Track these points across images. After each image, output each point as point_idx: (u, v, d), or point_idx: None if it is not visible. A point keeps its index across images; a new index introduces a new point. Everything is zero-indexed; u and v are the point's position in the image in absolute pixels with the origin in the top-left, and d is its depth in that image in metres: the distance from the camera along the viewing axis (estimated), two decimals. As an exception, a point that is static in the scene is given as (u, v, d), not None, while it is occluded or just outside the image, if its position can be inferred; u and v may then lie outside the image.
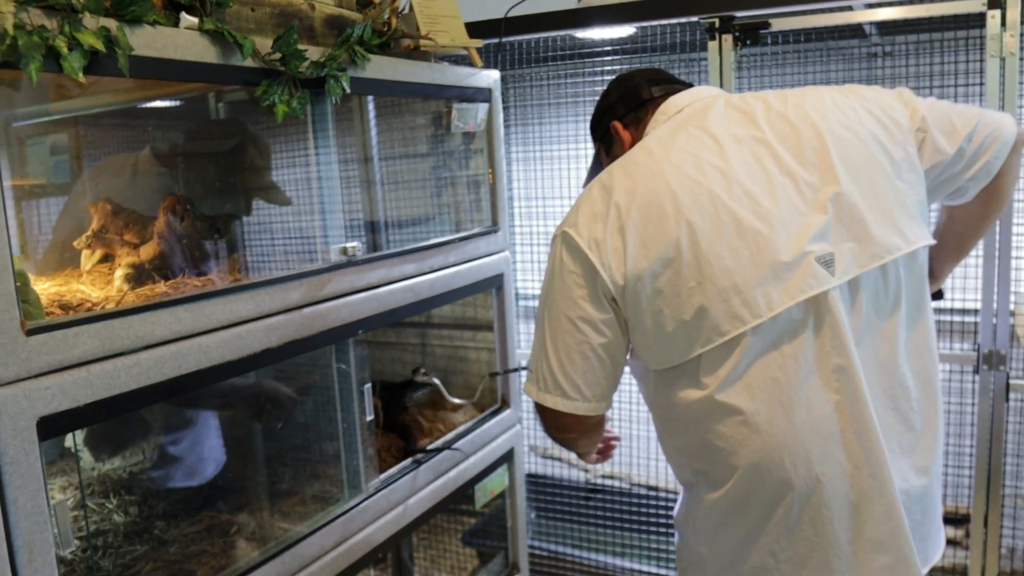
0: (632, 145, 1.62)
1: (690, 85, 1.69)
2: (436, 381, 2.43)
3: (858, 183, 1.43)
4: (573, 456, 3.65)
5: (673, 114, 1.59)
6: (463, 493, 2.33)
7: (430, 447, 2.22)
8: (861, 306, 1.42)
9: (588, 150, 3.22)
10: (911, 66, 2.66)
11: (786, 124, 1.48)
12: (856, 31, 2.64)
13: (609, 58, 3.03)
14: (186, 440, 2.07)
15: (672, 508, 3.34)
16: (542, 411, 1.57)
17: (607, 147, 1.75)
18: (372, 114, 2.50)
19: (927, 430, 1.52)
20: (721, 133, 1.48)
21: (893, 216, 1.44)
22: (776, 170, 1.43)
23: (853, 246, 1.41)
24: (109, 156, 2.21)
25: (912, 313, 1.49)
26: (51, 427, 1.25)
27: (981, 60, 2.36)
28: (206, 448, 2.08)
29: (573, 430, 1.59)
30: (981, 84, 2.34)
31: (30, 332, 1.22)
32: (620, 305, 1.46)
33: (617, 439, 1.99)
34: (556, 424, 1.58)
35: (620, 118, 1.69)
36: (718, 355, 1.40)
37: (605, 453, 1.98)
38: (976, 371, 2.46)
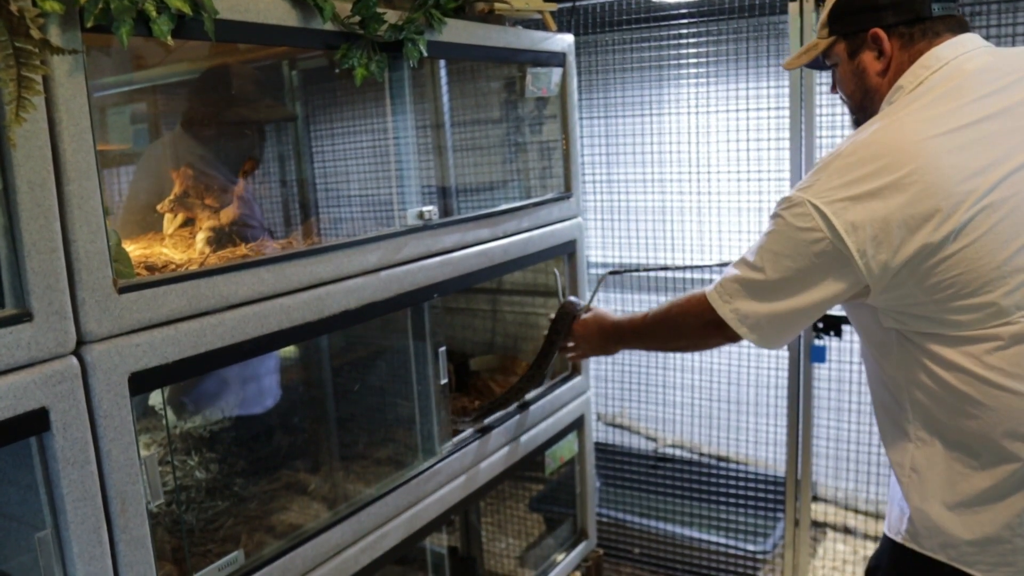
0: (892, 71, 1.55)
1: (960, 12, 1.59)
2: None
3: None
4: (640, 425, 3.64)
5: (937, 68, 1.50)
6: (533, 459, 2.34)
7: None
8: None
9: (661, 118, 3.18)
10: (993, 26, 2.57)
11: None
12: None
13: (685, 21, 2.97)
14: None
15: (740, 477, 3.32)
16: (716, 329, 1.62)
17: (851, 48, 1.61)
18: (444, 79, 2.49)
19: None
20: (995, 104, 1.44)
21: None
22: None
23: None
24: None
25: None
26: (142, 382, 1.29)
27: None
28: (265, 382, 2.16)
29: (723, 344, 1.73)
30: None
31: (122, 290, 1.25)
32: (874, 287, 1.45)
33: None
34: (719, 340, 1.69)
35: (887, 27, 1.55)
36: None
37: None
38: None
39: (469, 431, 2.10)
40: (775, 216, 1.52)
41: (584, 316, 2.09)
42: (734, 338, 1.62)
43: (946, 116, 1.43)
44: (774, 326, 1.56)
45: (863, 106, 1.63)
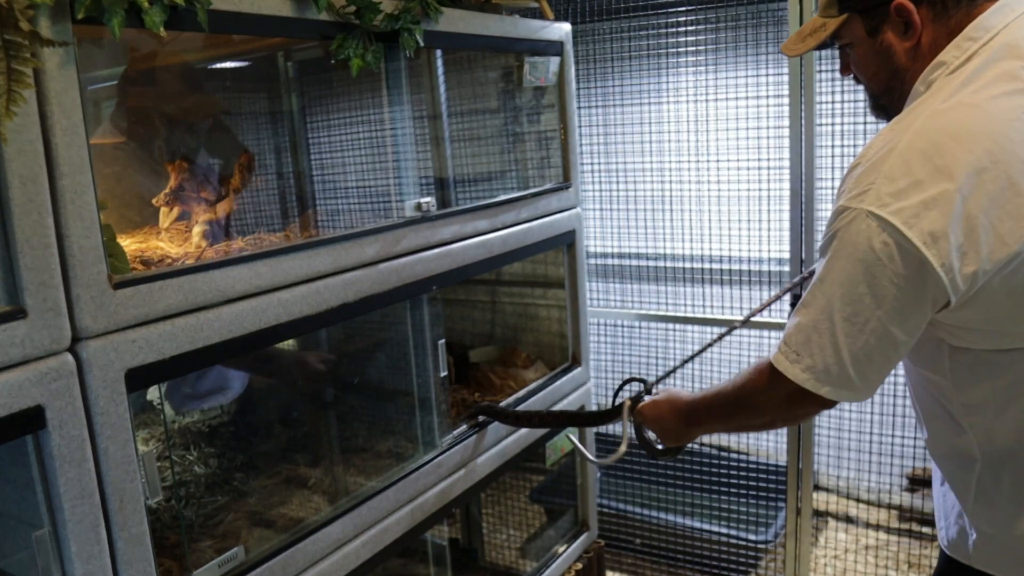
0: (925, 46, 1.34)
1: None
2: None
3: None
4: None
5: (986, 41, 1.29)
6: (534, 450, 2.33)
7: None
8: None
9: (660, 107, 3.16)
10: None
11: None
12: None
13: (683, 8, 2.95)
14: None
15: (741, 467, 3.31)
16: (800, 398, 1.35)
17: (870, 26, 1.39)
18: (441, 70, 2.47)
19: None
20: None
21: None
22: None
23: None
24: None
25: None
26: (138, 379, 1.27)
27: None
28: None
29: (816, 413, 1.43)
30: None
31: (117, 286, 1.24)
32: (956, 302, 1.24)
33: None
34: (808, 409, 1.40)
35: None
36: None
37: None
38: None
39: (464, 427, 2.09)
40: (830, 239, 1.30)
41: (653, 396, 1.78)
42: (825, 404, 1.36)
43: (1013, 95, 1.24)
44: (862, 373, 1.30)
45: (890, 88, 1.42)
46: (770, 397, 1.40)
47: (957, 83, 1.28)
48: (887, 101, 1.45)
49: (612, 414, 1.85)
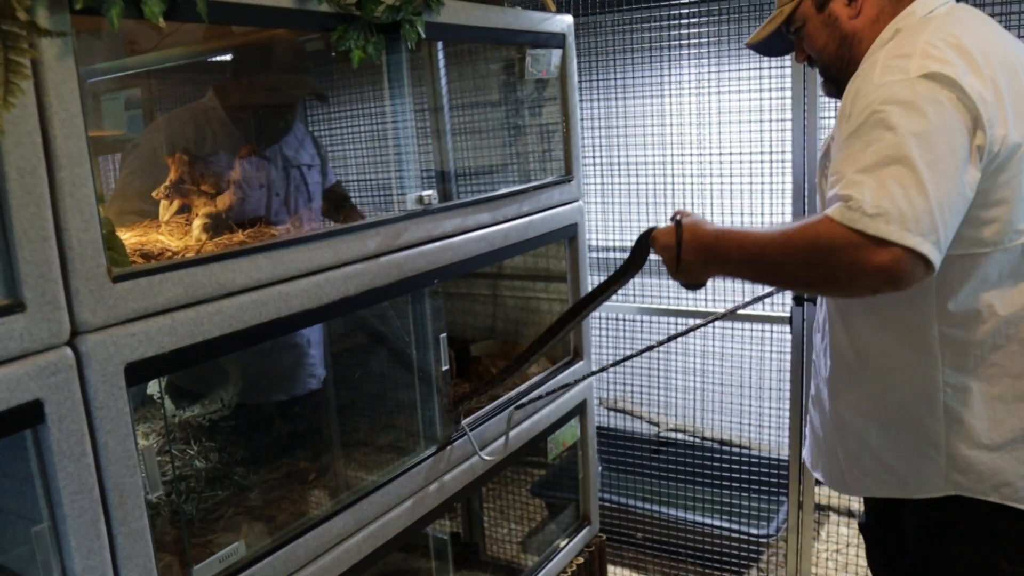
0: (867, 12, 1.55)
1: None
2: None
3: None
4: (642, 409, 3.63)
5: (923, 15, 1.49)
6: (535, 445, 2.33)
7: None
8: None
9: (662, 100, 3.15)
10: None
11: None
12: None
13: (685, 1, 2.93)
14: None
15: (743, 461, 3.30)
16: (894, 263, 1.26)
17: (818, 2, 1.61)
18: (442, 62, 2.46)
19: None
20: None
21: None
22: None
23: None
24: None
25: None
26: (138, 373, 1.26)
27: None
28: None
29: (905, 286, 1.31)
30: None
31: (117, 279, 1.23)
32: (986, 163, 1.36)
33: None
34: (897, 277, 1.28)
35: None
36: None
37: None
38: None
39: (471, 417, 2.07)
40: (874, 113, 1.33)
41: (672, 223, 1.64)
42: (900, 271, 1.26)
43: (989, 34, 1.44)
44: (945, 224, 1.28)
45: (839, 56, 1.61)
46: (836, 245, 1.29)
47: (934, 23, 1.45)
48: (837, 70, 1.62)
49: (636, 257, 1.71)
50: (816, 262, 1.33)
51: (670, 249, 1.57)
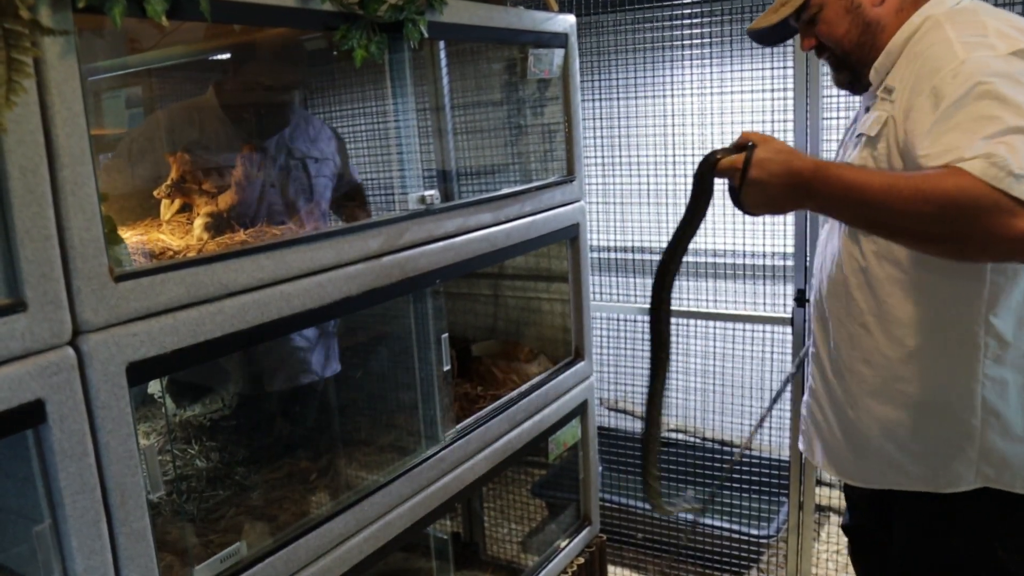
0: (906, 7, 1.53)
1: None
2: None
3: None
4: (643, 409, 3.62)
5: (952, 5, 1.49)
6: (536, 445, 2.32)
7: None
8: None
9: (664, 100, 3.14)
10: None
11: None
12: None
13: (688, 1, 2.93)
14: None
15: (744, 462, 3.30)
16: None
17: None
18: (445, 61, 2.46)
19: None
20: None
21: None
22: None
23: None
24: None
25: None
26: (140, 373, 1.26)
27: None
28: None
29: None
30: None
31: (119, 279, 1.22)
32: None
33: None
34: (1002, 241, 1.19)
35: None
36: None
37: None
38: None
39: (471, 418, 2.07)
40: (976, 84, 1.28)
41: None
42: None
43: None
44: None
45: (861, 43, 1.58)
46: (984, 219, 1.19)
47: (978, 7, 1.44)
48: (857, 57, 1.59)
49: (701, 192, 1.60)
50: (950, 218, 1.21)
51: (739, 174, 1.46)
